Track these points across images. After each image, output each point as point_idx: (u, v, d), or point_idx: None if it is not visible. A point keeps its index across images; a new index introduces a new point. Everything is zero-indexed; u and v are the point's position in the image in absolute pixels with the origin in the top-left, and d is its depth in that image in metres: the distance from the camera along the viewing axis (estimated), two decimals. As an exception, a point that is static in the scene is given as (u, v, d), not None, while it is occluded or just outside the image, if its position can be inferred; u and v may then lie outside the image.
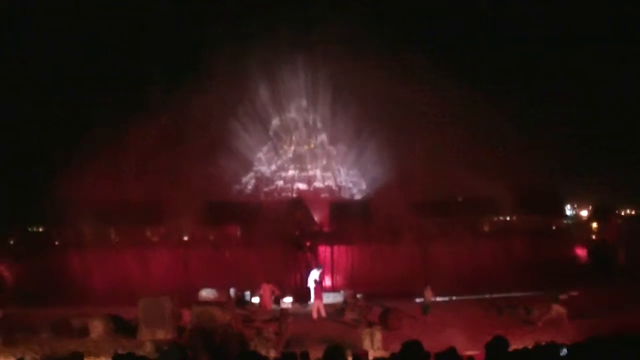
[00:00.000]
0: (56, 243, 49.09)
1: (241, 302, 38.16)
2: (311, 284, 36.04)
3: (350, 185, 60.64)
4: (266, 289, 35.64)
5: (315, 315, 33.37)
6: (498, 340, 10.19)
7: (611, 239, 50.94)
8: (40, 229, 55.44)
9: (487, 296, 37.65)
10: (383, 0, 62.44)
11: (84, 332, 26.89)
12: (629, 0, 72.21)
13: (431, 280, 35.97)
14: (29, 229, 55.67)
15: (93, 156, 48.45)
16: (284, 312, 30.37)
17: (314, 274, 36.80)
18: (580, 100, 68.96)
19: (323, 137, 62.82)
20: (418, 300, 35.37)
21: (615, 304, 30.68)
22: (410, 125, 56.52)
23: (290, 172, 60.88)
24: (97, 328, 26.68)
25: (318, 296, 34.44)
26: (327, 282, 43.82)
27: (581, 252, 50.12)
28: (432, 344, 11.97)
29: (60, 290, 40.51)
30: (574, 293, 29.90)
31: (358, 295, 37.74)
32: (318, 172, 60.99)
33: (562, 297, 29.39)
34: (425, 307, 34.20)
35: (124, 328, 27.73)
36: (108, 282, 43.60)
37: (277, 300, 36.07)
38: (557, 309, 28.67)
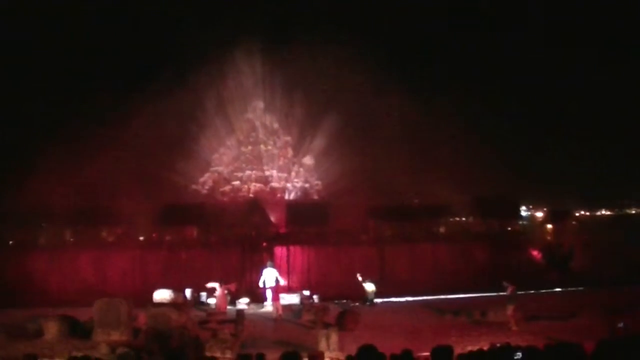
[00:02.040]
0: (10, 243, 48.39)
1: (197, 303, 38.07)
2: (269, 283, 35.99)
3: (307, 186, 60.71)
4: (222, 290, 35.68)
5: (274, 315, 33.52)
6: (442, 348, 10.41)
7: (566, 241, 51.55)
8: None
9: (443, 298, 37.99)
10: (344, 3, 62.66)
11: (38, 333, 26.57)
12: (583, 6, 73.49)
13: (388, 282, 36.37)
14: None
15: (49, 157, 47.98)
16: (240, 313, 30.36)
17: (271, 273, 36.75)
18: (535, 103, 70.01)
19: (279, 138, 62.89)
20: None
21: (569, 307, 31.14)
22: (369, 129, 56.99)
23: (247, 173, 60.81)
24: (52, 329, 26.38)
25: (276, 297, 34.55)
26: (283, 283, 43.94)
27: (536, 254, 50.65)
28: (387, 346, 12.14)
29: (13, 292, 40.08)
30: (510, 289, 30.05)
31: (314, 297, 37.98)
32: (275, 173, 61.00)
33: (506, 284, 29.67)
34: (364, 299, 34.74)
35: (78, 330, 27.45)
36: (63, 284, 43.29)
37: (234, 302, 36.10)
38: (511, 310, 28.96)
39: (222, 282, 36.00)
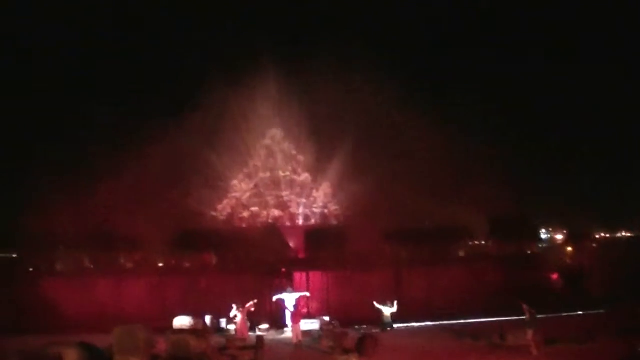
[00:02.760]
0: (30, 270, 48.56)
1: (217, 329, 38.02)
2: (289, 308, 35.96)
3: (326, 211, 60.78)
4: (243, 315, 35.64)
5: (294, 340, 33.44)
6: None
7: (586, 263, 51.18)
8: (13, 255, 54.83)
9: (461, 322, 37.78)
10: (359, 34, 62.91)
11: (58, 360, 26.62)
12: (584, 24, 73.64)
13: (405, 306, 36.22)
14: (0, 255, 55.09)
15: (68, 184, 48.25)
16: (260, 339, 30.34)
17: (291, 298, 36.72)
18: (556, 124, 69.87)
19: (298, 164, 63.13)
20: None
21: (587, 330, 30.86)
22: (386, 153, 56.99)
23: (266, 199, 61.00)
24: (71, 356, 26.32)
25: (296, 320, 34.49)
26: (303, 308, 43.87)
27: (556, 277, 50.27)
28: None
29: (33, 319, 40.11)
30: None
31: (333, 322, 37.85)
32: (293, 199, 61.16)
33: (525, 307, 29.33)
34: (382, 325, 34.59)
35: (98, 357, 27.36)
36: (81, 310, 43.30)
37: (253, 327, 36.07)
38: (532, 333, 28.69)
39: (241, 306, 35.94)
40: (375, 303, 37.74)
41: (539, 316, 28.63)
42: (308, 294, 40.69)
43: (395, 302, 37.65)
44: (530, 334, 28.43)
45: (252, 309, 36.43)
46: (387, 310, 36.87)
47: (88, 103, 60.56)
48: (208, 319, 38.14)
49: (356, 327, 37.18)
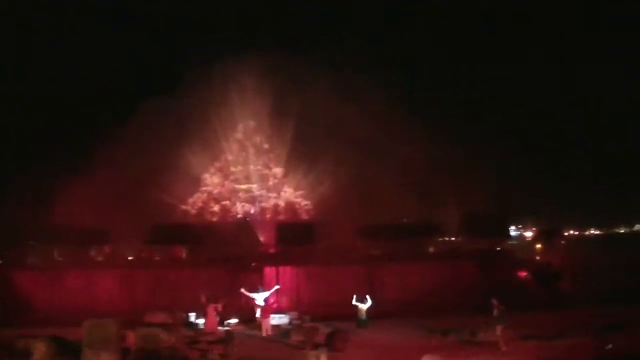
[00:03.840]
0: (-1, 263, 48.22)
1: (187, 323, 37.86)
2: (259, 302, 35.88)
3: (297, 206, 60.76)
4: (211, 310, 35.51)
5: (264, 333, 33.41)
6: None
7: (556, 260, 51.45)
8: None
9: (432, 317, 37.83)
10: (328, 25, 63.17)
11: (27, 354, 26.38)
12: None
13: (377, 302, 36.23)
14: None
15: (37, 177, 47.94)
16: (230, 333, 30.25)
17: (261, 295, 36.65)
18: (526, 124, 70.46)
19: (269, 158, 63.10)
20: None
21: (558, 328, 31.10)
22: (358, 149, 57.11)
23: (237, 193, 60.89)
24: (40, 350, 26.18)
25: (266, 315, 34.44)
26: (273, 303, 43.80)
27: (525, 274, 50.49)
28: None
29: (2, 312, 39.79)
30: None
31: (303, 317, 37.81)
32: (264, 193, 61.10)
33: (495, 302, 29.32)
34: (359, 321, 34.60)
35: (67, 350, 27.22)
36: (52, 303, 43.06)
37: (223, 322, 35.95)
38: (501, 330, 28.76)
39: (210, 301, 35.84)
40: (354, 300, 37.63)
41: (508, 312, 28.76)
42: (277, 287, 40.50)
43: (368, 297, 37.64)
44: (499, 329, 28.57)
45: (219, 310, 36.23)
46: (364, 307, 36.85)
47: (58, 94, 60.25)
48: (178, 312, 37.96)
49: (325, 323, 37.09)
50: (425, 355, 23.84)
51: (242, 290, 37.16)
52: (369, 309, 36.43)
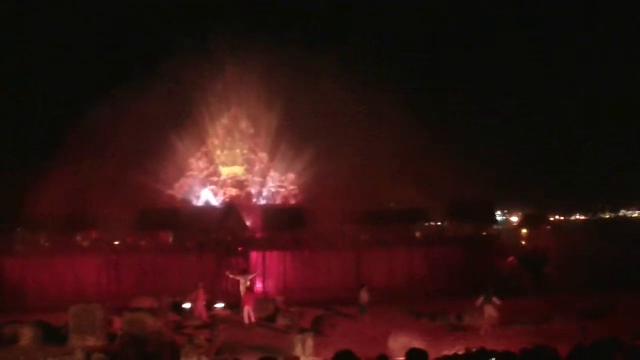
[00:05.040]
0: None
1: (174, 308, 37.80)
2: (242, 289, 35.85)
3: (284, 191, 60.67)
4: (199, 295, 35.45)
5: (246, 320, 33.32)
6: (417, 352, 10.34)
7: (541, 245, 51.63)
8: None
9: (419, 302, 37.89)
10: (310, 12, 63.21)
11: (13, 339, 26.36)
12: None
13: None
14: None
15: (23, 163, 47.80)
16: (217, 318, 30.29)
17: (245, 280, 36.60)
18: (513, 110, 70.68)
19: (256, 143, 62.99)
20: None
21: (543, 311, 31.28)
22: (346, 134, 57.08)
23: (223, 178, 60.78)
24: (27, 335, 26.19)
25: (249, 302, 34.35)
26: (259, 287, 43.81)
27: (511, 259, 50.65)
28: (364, 351, 12.19)
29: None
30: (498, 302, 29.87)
31: (290, 302, 37.81)
32: (251, 178, 60.99)
33: (495, 300, 29.40)
34: (362, 308, 34.60)
35: (54, 336, 27.25)
36: (38, 289, 43.03)
37: (210, 307, 35.93)
38: (490, 312, 28.79)
39: (201, 287, 35.69)
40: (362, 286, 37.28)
41: (495, 297, 28.84)
42: (255, 273, 40.22)
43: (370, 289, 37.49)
44: (487, 311, 28.61)
45: (204, 302, 36.05)
46: (365, 294, 36.78)
47: (40, 79, 60.08)
48: (164, 297, 37.89)
49: (328, 307, 36.90)
50: (393, 335, 23.79)
51: (228, 273, 37.22)
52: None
